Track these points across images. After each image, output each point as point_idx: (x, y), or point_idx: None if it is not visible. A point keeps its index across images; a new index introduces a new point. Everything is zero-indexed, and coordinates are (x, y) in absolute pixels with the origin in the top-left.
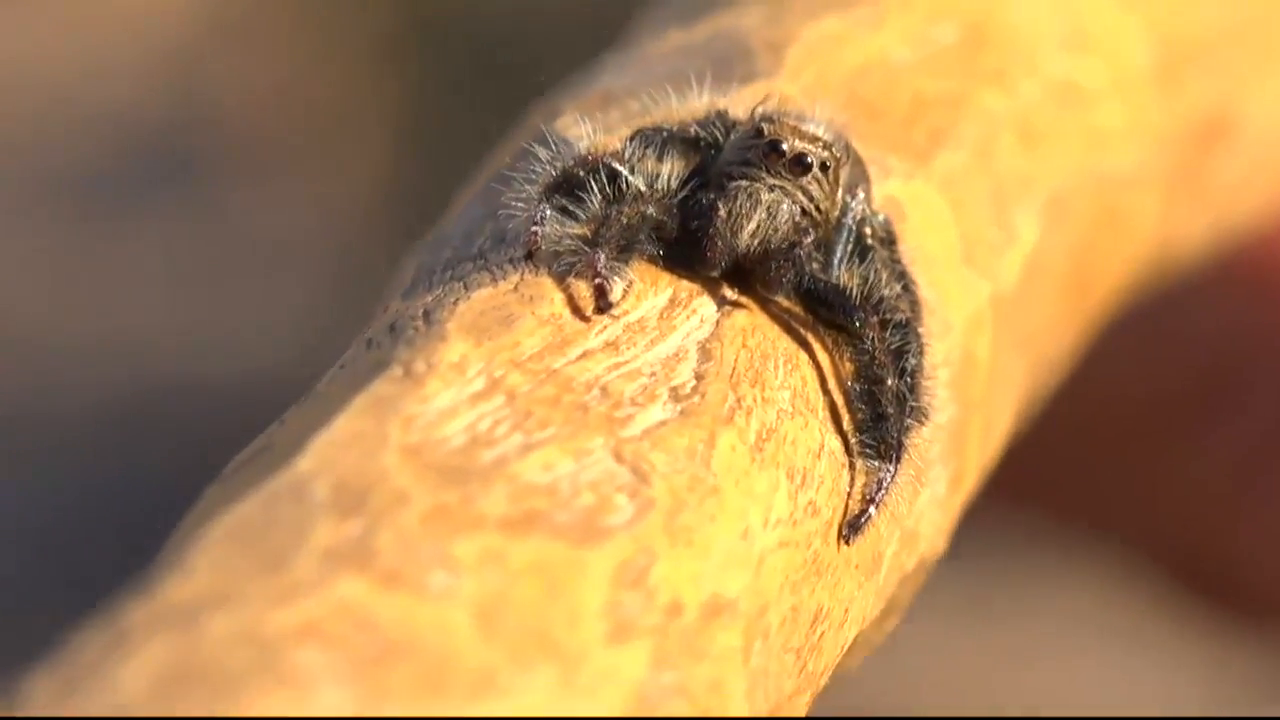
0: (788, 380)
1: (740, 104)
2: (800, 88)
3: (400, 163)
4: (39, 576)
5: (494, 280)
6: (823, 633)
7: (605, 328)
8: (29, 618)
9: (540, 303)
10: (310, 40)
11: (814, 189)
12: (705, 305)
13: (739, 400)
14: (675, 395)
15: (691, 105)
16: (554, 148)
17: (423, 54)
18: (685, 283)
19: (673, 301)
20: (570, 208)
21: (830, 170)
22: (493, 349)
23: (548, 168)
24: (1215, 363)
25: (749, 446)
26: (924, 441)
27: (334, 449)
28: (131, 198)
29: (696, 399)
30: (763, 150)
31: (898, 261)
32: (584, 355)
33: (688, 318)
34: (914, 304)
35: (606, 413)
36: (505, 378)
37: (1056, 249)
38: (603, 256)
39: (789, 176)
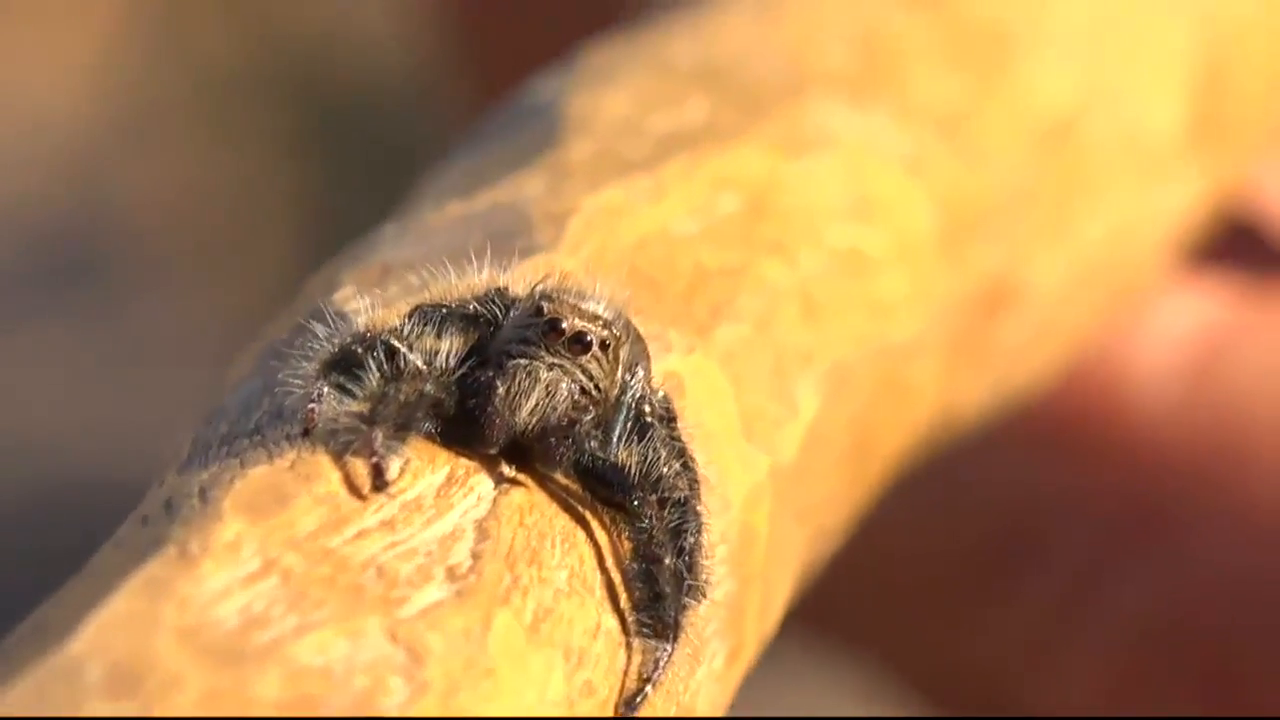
0: (565, 560)
1: (520, 279)
2: (580, 261)
3: (301, 257)
4: None
5: (270, 458)
6: None
7: (381, 506)
8: None
9: (316, 481)
10: (210, 138)
11: (593, 367)
12: (482, 483)
13: (515, 580)
14: (451, 575)
15: (471, 281)
16: (332, 324)
17: (323, 149)
18: (463, 460)
19: (449, 479)
20: (348, 385)
21: (610, 348)
22: (268, 528)
23: (325, 344)
24: (1010, 519)
25: (525, 627)
26: (701, 619)
27: (107, 630)
28: (33, 294)
29: (473, 578)
30: (542, 329)
31: (677, 439)
32: (360, 534)
33: (464, 495)
34: (693, 481)
35: (383, 593)
36: (280, 558)
37: (836, 420)
38: (379, 435)
39: (568, 355)
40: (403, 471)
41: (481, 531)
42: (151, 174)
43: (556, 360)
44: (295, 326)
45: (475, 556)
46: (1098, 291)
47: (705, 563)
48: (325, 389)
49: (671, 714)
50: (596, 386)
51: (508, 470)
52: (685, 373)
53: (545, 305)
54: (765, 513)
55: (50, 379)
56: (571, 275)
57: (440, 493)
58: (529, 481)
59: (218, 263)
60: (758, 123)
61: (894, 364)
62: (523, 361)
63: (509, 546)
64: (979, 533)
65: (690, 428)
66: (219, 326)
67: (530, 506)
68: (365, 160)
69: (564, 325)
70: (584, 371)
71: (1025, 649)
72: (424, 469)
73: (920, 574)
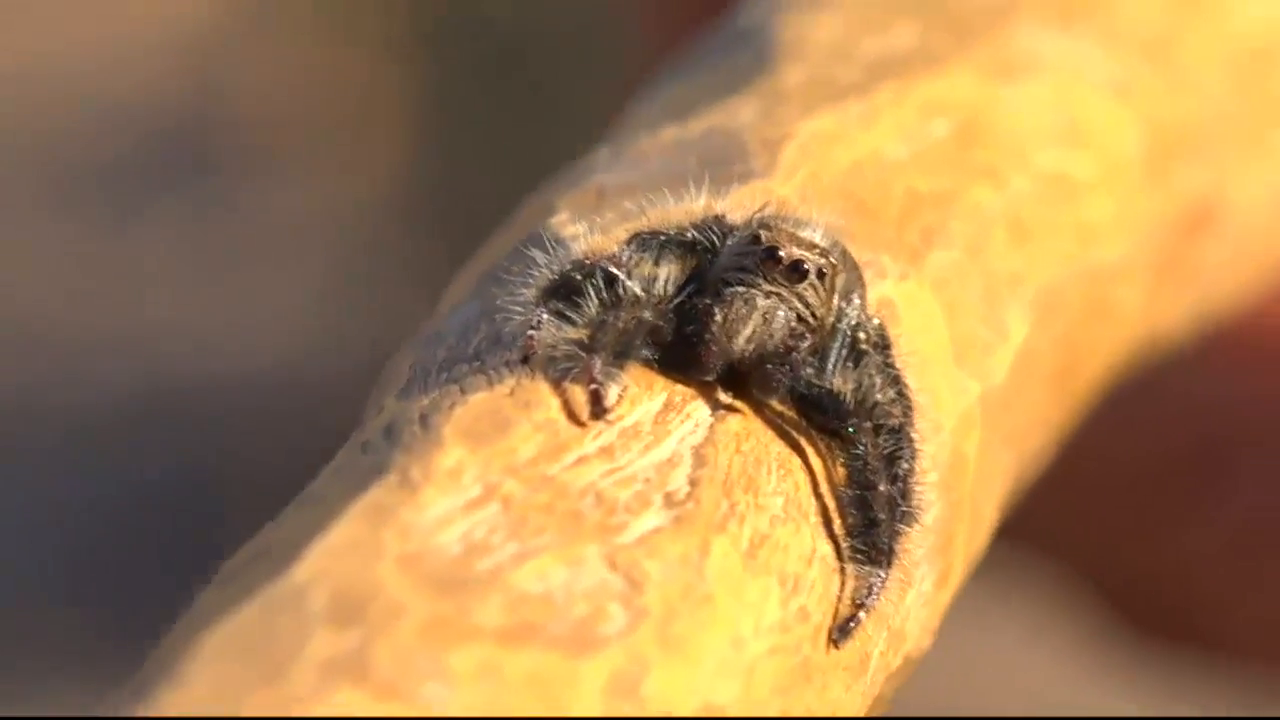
0: (780, 486)
1: (737, 207)
2: (795, 188)
3: (415, 155)
4: (51, 571)
5: (490, 384)
6: None
7: (600, 433)
8: (40, 611)
9: (536, 408)
10: (328, 32)
11: (810, 295)
12: (699, 410)
13: (732, 506)
14: (669, 501)
15: (688, 208)
16: (550, 250)
17: (441, 48)
18: (680, 387)
19: (667, 406)
20: (566, 312)
21: (826, 277)
22: (489, 455)
23: (544, 271)
24: (1208, 432)
25: (742, 553)
26: (913, 544)
27: (330, 558)
28: (147, 190)
29: (691, 505)
30: (760, 256)
31: (892, 366)
32: (579, 461)
33: (682, 422)
34: (907, 408)
35: (601, 520)
36: (501, 484)
37: (1044, 343)
38: (598, 362)
39: (785, 283)
40: (621, 398)
41: (699, 458)
42: (268, 67)
43: (773, 288)
44: (513, 251)
45: (693, 483)
46: None
47: (919, 488)
48: (544, 315)
49: (883, 638)
50: (813, 314)
51: (724, 397)
52: (899, 299)
53: (763, 233)
54: (975, 438)
55: (164, 273)
56: (788, 203)
57: (658, 419)
58: (745, 408)
59: (331, 157)
60: (967, 47)
61: (1100, 286)
62: (740, 289)
63: (726, 473)
64: (1178, 444)
65: (905, 354)
66: (332, 221)
67: (747, 433)
68: (481, 59)
69: (781, 253)
70: (801, 299)
71: (1217, 560)
72: (642, 395)
73: (1117, 482)
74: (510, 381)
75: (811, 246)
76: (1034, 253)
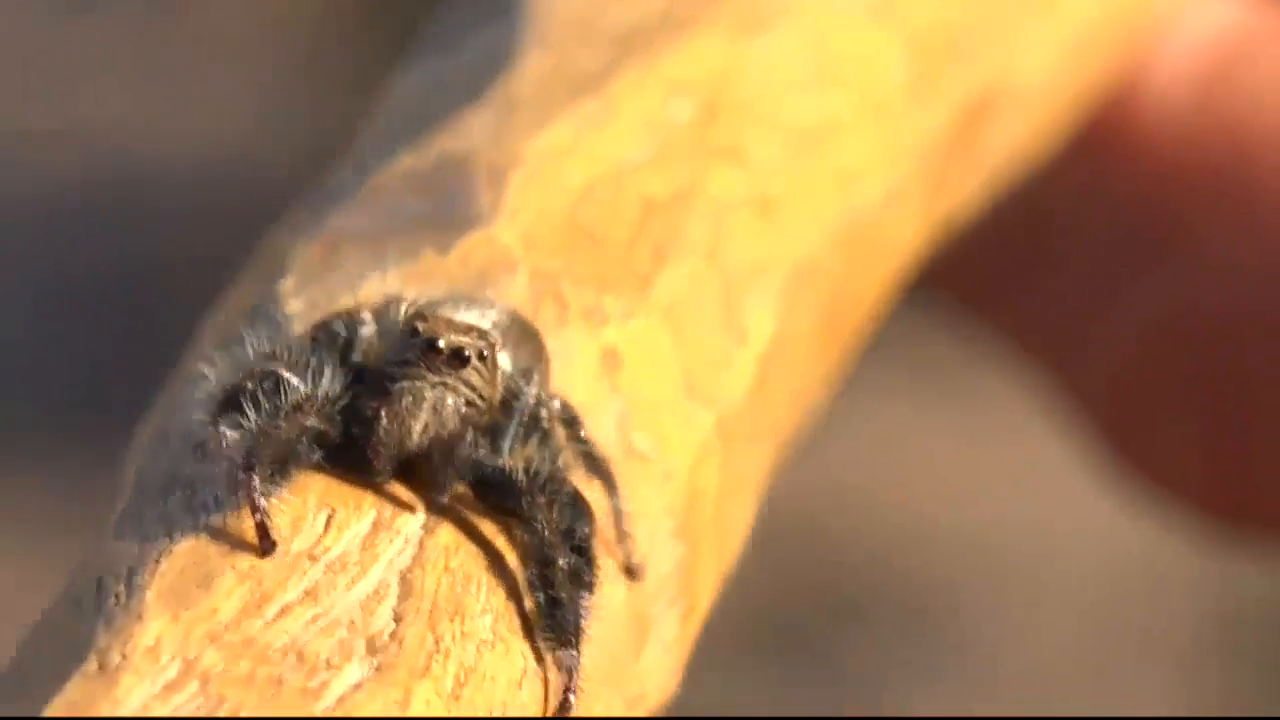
0: (490, 602)
1: (449, 267)
2: (518, 233)
3: None
4: None
5: (196, 527)
6: None
7: (305, 573)
8: None
9: (239, 553)
10: None
11: (474, 379)
12: (411, 524)
13: (437, 642)
14: (372, 648)
15: (374, 288)
16: (220, 360)
17: None
18: (388, 502)
19: (375, 525)
20: (241, 423)
21: (487, 358)
22: (190, 621)
23: (215, 381)
24: (1033, 215)
25: (445, 696)
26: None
27: None
28: None
29: (394, 648)
30: (420, 348)
31: (583, 440)
32: (282, 612)
33: (390, 541)
34: (609, 481)
35: (301, 684)
36: (200, 658)
37: (801, 321)
38: (256, 481)
39: (449, 371)
40: (329, 525)
41: (405, 586)
42: None
43: (439, 378)
44: (241, 318)
45: (397, 619)
46: (1096, 62)
47: (598, 556)
48: (226, 433)
49: (622, 704)
50: (480, 396)
51: (444, 496)
52: (622, 344)
53: (420, 325)
54: (714, 466)
55: (112, 70)
56: (506, 250)
57: (366, 544)
58: (458, 514)
59: None
60: (716, 4)
61: (865, 231)
62: (406, 384)
63: (432, 601)
64: (1007, 225)
65: (626, 403)
66: (279, 18)
67: (457, 545)
68: None
69: (440, 343)
70: (467, 384)
71: (1055, 332)
72: (350, 518)
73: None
74: (217, 518)
75: (468, 330)
76: (784, 227)
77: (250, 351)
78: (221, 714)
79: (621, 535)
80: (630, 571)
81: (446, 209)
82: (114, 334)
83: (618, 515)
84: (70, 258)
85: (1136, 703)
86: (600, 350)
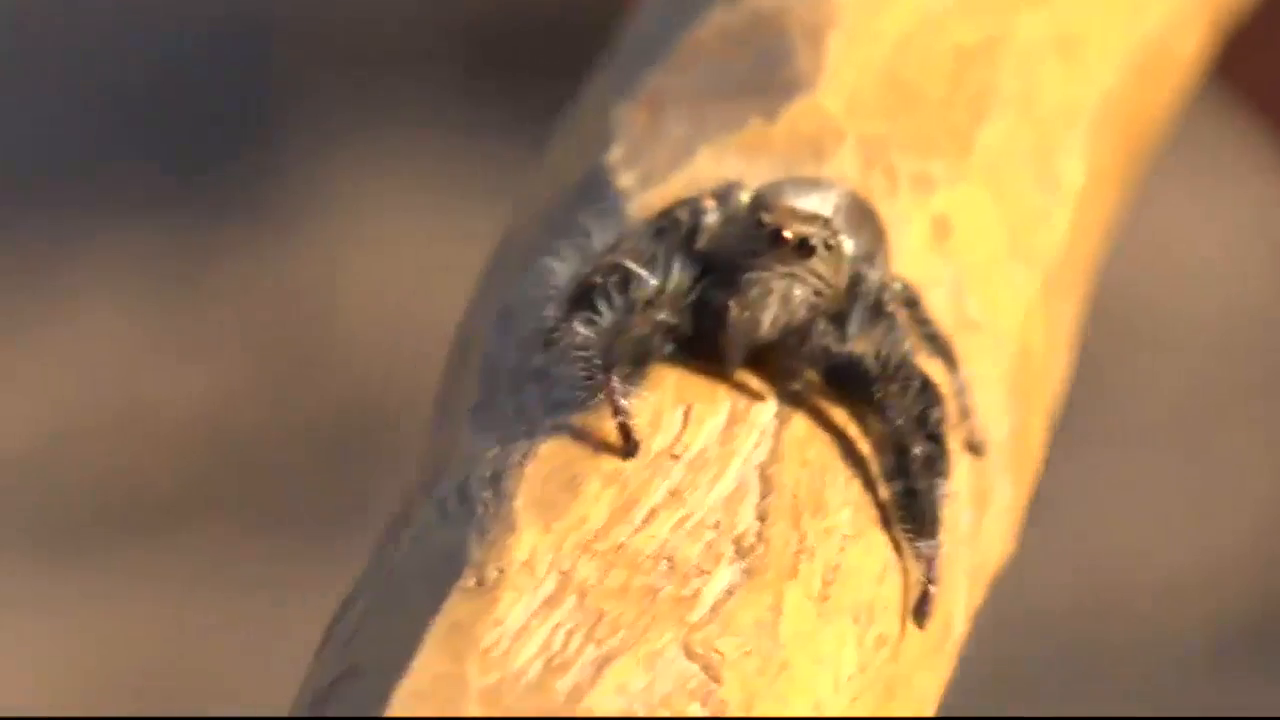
0: (847, 493)
1: (785, 137)
2: (843, 98)
3: None
4: (105, 122)
5: (555, 429)
6: None
7: (669, 473)
8: (95, 162)
9: (602, 454)
10: None
11: (820, 267)
12: (764, 415)
13: (801, 539)
14: (739, 549)
15: (711, 171)
16: (574, 253)
17: None
18: (740, 394)
19: (731, 419)
20: (593, 319)
21: (833, 247)
22: (561, 532)
23: (567, 273)
24: None
25: (814, 598)
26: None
27: (417, 699)
28: None
29: (761, 549)
30: (767, 239)
31: (925, 321)
32: (649, 516)
33: (747, 435)
34: (950, 359)
35: (674, 593)
36: (574, 570)
37: (1107, 155)
38: (616, 381)
39: (796, 261)
40: (686, 420)
41: (765, 482)
42: None
43: (785, 268)
44: (569, 199)
45: (761, 517)
46: None
47: (950, 439)
48: (579, 331)
49: (962, 589)
50: (827, 284)
51: (795, 385)
52: (950, 210)
53: (764, 216)
54: (1040, 323)
55: None
56: (831, 119)
57: (723, 439)
58: (807, 399)
59: None
60: None
61: (1156, 52)
62: (753, 275)
63: (793, 497)
64: None
65: (959, 267)
66: None
67: (810, 436)
68: None
69: (786, 234)
70: (813, 273)
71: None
72: (705, 413)
73: None
74: (576, 419)
75: (813, 219)
76: (1086, 66)
77: (596, 243)
78: (600, 628)
79: (964, 412)
80: (974, 448)
81: (766, 70)
82: (226, 91)
83: (960, 392)
84: (183, 16)
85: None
86: (931, 219)
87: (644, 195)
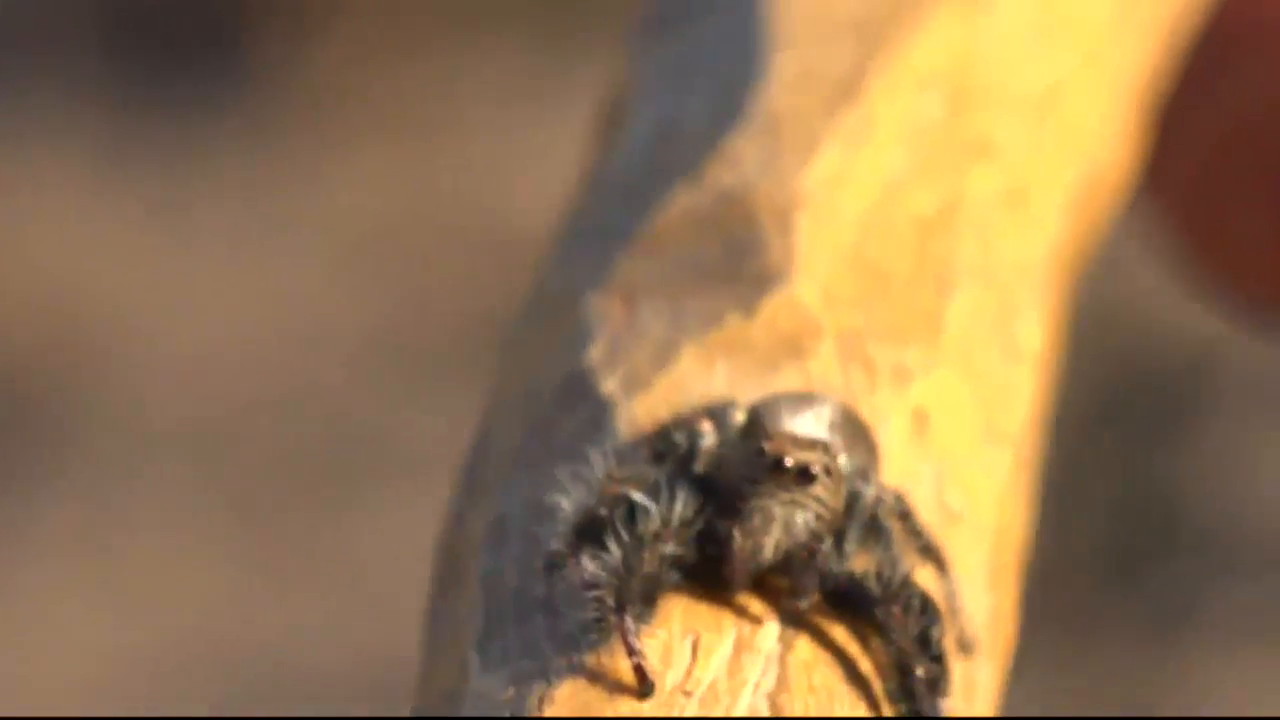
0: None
1: (758, 336)
2: (818, 289)
3: None
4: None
5: (571, 669)
6: None
7: (684, 709)
8: (63, 52)
9: (618, 698)
10: None
11: (820, 492)
12: (768, 640)
13: None
14: None
15: (698, 391)
16: (568, 487)
17: None
18: (743, 619)
19: (737, 646)
20: (599, 554)
21: (833, 473)
22: None
23: (570, 505)
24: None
25: None
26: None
27: None
28: None
29: None
30: (768, 468)
31: (918, 533)
32: None
33: (754, 663)
34: (940, 564)
35: None
36: None
37: (1055, 309)
38: (629, 621)
39: (797, 489)
40: (695, 652)
41: (776, 710)
42: None
43: (787, 495)
44: (552, 406)
45: None
46: None
47: (949, 659)
48: (588, 567)
49: None
50: (826, 506)
51: (801, 605)
52: (928, 400)
53: (765, 445)
54: (1013, 502)
55: None
56: (807, 311)
57: (731, 669)
58: (806, 622)
59: None
60: None
61: (1098, 182)
62: (754, 504)
63: None
64: None
65: (938, 462)
66: None
67: (815, 660)
68: None
69: (787, 463)
70: (813, 498)
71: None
72: (713, 643)
73: None
74: (589, 659)
75: (812, 445)
76: (1035, 214)
77: (595, 469)
78: None
79: (954, 612)
80: (964, 647)
81: (737, 258)
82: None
83: (950, 595)
84: None
85: None
86: (910, 412)
87: (630, 404)
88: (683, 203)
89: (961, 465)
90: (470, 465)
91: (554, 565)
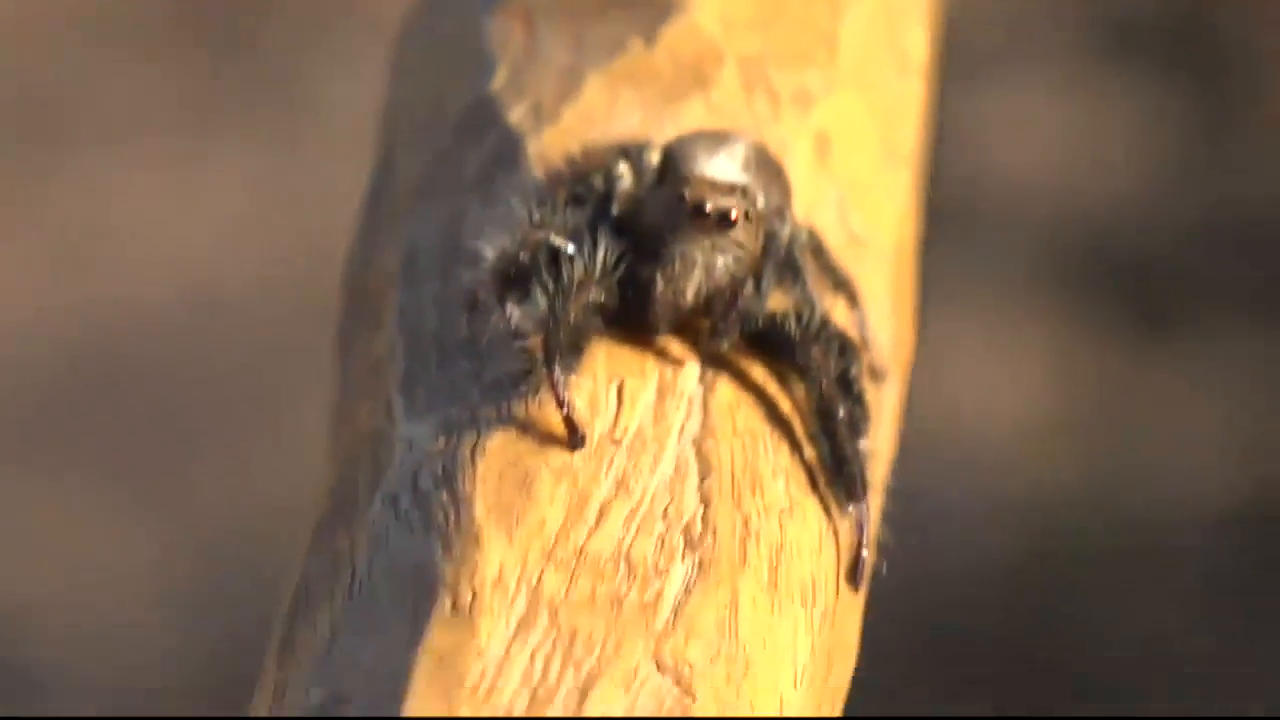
0: (777, 461)
1: (667, 62)
2: (717, 16)
3: None
4: None
5: (499, 419)
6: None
7: (612, 460)
8: None
9: (549, 449)
10: None
11: (740, 235)
12: (689, 382)
13: (745, 523)
14: (689, 541)
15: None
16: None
17: None
18: (665, 363)
19: (660, 391)
20: (523, 302)
21: (751, 216)
22: (524, 541)
23: (494, 248)
24: None
25: (765, 587)
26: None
27: None
28: None
29: (709, 540)
30: (688, 213)
31: (831, 268)
32: (602, 514)
33: (677, 407)
34: (851, 297)
35: (638, 600)
36: (542, 583)
37: (933, 14)
38: (558, 371)
39: (717, 233)
40: (620, 398)
41: (703, 461)
42: None
43: (708, 239)
44: (458, 133)
45: (704, 501)
46: None
47: (868, 396)
48: (514, 313)
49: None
50: (745, 249)
51: (721, 347)
52: (829, 124)
53: (686, 192)
54: (910, 220)
55: None
56: (706, 37)
57: (656, 415)
58: (728, 363)
59: None
60: None
61: None
62: (675, 248)
63: (731, 475)
64: None
65: (841, 186)
66: None
67: (738, 402)
68: None
69: (708, 209)
70: (734, 242)
71: None
72: (637, 388)
73: None
74: (518, 407)
75: (730, 190)
76: None
77: (517, 213)
78: (576, 647)
79: (865, 344)
80: (875, 376)
81: None
82: None
83: (860, 325)
84: None
85: None
86: (813, 137)
87: (539, 137)
88: None
89: (863, 189)
90: (373, 193)
91: (475, 306)
